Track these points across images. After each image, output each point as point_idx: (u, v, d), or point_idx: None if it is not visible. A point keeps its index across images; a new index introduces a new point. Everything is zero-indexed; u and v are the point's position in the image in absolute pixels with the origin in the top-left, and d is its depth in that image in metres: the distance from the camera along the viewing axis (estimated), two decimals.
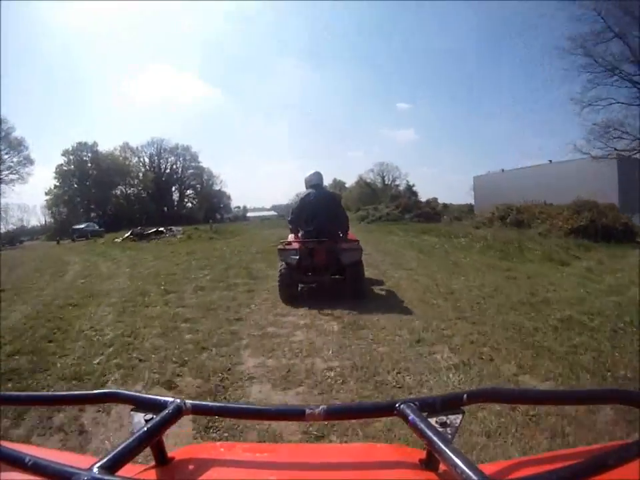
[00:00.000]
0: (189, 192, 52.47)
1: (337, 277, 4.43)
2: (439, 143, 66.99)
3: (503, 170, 36.44)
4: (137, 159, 45.87)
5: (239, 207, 57.90)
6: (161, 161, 49.01)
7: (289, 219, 4.67)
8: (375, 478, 0.45)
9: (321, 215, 4.33)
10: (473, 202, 42.77)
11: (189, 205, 52.67)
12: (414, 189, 35.97)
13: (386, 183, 42.11)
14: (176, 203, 50.84)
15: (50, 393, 0.79)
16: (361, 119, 75.46)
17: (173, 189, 50.96)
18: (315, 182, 4.63)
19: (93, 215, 41.37)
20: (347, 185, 47.74)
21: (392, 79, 76.81)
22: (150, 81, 67.63)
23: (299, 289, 4.61)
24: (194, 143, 74.84)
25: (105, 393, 0.48)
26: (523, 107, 61.85)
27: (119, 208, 41.73)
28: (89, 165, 41.34)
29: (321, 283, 4.47)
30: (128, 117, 70.39)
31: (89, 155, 41.59)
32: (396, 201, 24.98)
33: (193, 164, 51.19)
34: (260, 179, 79.89)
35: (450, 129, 65.12)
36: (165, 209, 48.21)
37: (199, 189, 52.07)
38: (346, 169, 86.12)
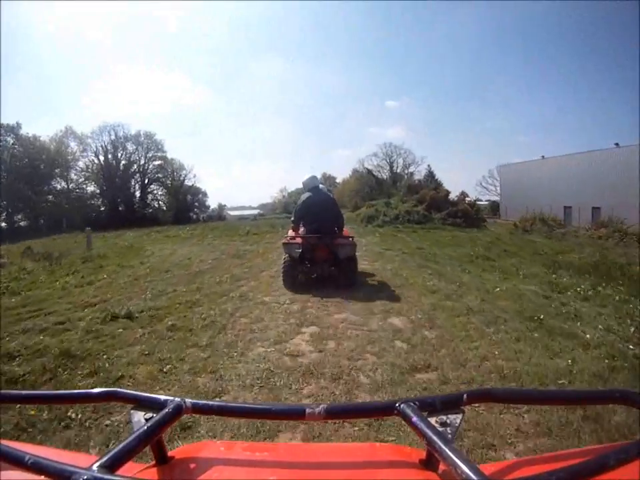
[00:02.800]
0: (153, 187, 43.63)
1: (333, 268, 5.08)
2: (429, 140, 61.24)
3: (543, 157, 28.46)
4: (81, 146, 36.86)
5: (224, 205, 49.26)
6: (117, 150, 40.19)
7: (292, 218, 5.56)
8: (375, 477, 0.44)
9: (321, 214, 5.12)
10: (477, 199, 35.57)
11: (155, 203, 43.94)
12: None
13: (395, 170, 31.90)
14: (137, 200, 41.87)
15: (50, 391, 0.73)
16: (349, 118, 70.20)
17: (132, 182, 41.99)
18: (312, 185, 5.42)
19: (17, 217, 32.51)
20: (337, 181, 39.69)
21: (381, 77, 70.23)
22: (127, 77, 59.04)
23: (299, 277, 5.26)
24: (177, 140, 67.45)
25: (105, 392, 0.47)
26: (516, 104, 58.79)
27: (56, 207, 32.89)
28: (15, 152, 32.39)
29: (320, 273, 5.15)
30: (98, 114, 60.61)
31: (15, 140, 32.64)
32: (417, 194, 16.38)
33: (158, 154, 42.48)
34: (250, 178, 72.87)
35: (441, 127, 61.40)
36: (121, 208, 39.32)
37: (168, 184, 43.29)
38: (335, 167, 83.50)
